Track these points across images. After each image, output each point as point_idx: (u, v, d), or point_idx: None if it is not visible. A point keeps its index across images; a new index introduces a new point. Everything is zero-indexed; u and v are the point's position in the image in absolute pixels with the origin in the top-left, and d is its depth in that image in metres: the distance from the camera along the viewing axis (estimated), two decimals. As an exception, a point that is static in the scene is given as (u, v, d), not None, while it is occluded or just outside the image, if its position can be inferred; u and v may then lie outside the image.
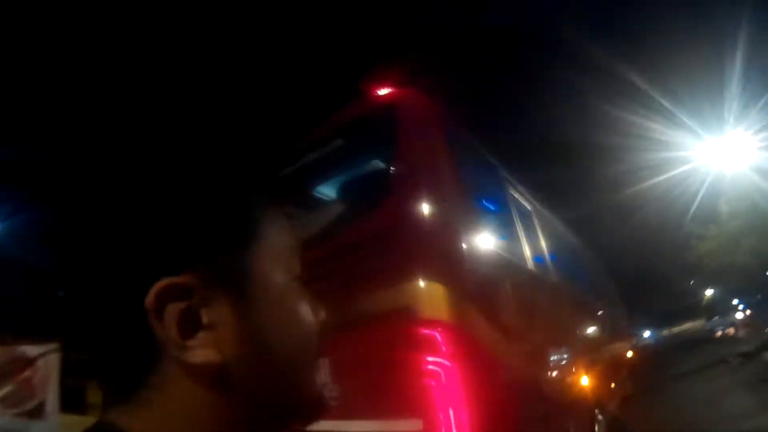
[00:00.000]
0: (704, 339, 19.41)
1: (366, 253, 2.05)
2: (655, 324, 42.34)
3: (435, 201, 2.05)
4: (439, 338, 1.75)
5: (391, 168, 2.20)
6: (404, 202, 2.07)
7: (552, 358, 3.00)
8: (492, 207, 3.17)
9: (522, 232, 3.04)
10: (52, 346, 2.66)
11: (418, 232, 1.98)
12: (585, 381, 3.61)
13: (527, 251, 2.98)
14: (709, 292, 23.21)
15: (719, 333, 21.43)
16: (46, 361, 2.62)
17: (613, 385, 5.41)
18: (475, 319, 1.88)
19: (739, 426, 4.80)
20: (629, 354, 8.53)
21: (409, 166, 2.13)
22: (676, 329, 45.67)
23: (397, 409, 1.78)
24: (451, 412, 1.68)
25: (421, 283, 1.82)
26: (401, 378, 1.77)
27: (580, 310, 4.32)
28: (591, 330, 4.60)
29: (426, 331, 1.77)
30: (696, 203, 14.23)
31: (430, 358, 1.74)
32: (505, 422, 1.89)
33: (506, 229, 3.00)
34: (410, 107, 2.34)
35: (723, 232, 14.34)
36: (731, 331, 20.52)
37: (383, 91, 2.44)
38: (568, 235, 5.48)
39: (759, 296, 20.27)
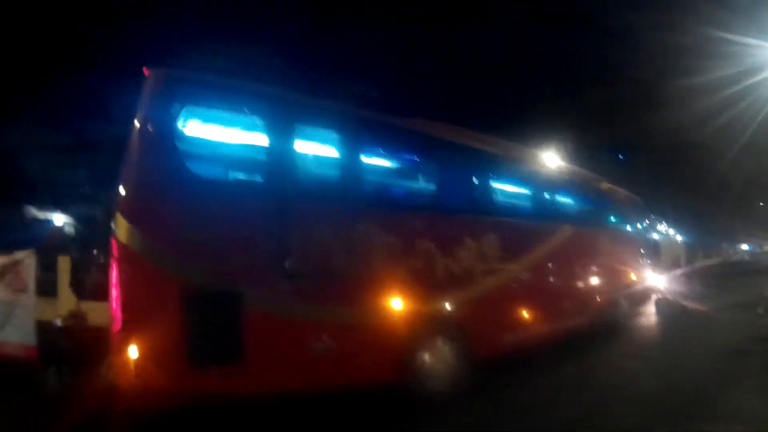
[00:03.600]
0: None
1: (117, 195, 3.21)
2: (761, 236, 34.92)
3: (138, 165, 3.00)
4: (114, 248, 3.00)
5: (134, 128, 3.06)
6: (126, 157, 3.07)
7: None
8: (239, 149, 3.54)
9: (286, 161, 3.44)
10: (31, 252, 4.60)
11: (123, 180, 3.03)
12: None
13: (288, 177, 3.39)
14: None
15: None
16: (28, 261, 4.60)
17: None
18: (143, 239, 2.91)
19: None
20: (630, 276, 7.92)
21: (135, 128, 3.04)
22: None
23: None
24: (114, 291, 2.95)
25: (119, 217, 3.01)
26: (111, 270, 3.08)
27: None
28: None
29: (113, 244, 3.02)
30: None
31: (111, 259, 3.02)
32: (164, 309, 2.86)
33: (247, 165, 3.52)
34: (147, 82, 3.08)
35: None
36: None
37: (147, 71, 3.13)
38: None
39: None
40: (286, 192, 3.37)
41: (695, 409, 3.72)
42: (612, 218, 7.89)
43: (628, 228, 8.59)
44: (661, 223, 16.24)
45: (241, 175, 3.66)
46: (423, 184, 4.81)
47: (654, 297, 9.96)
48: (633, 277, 8.13)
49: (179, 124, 3.19)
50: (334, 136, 3.88)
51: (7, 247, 4.55)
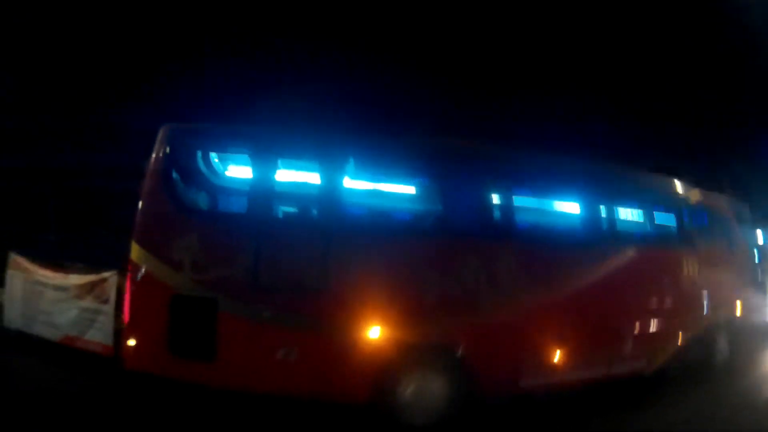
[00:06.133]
0: None
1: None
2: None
3: (146, 201, 3.78)
4: (129, 265, 3.76)
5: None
6: (139, 198, 3.85)
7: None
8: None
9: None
10: (115, 272, 5.62)
11: (137, 214, 3.80)
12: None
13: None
14: None
15: None
16: (112, 279, 5.65)
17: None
18: (148, 258, 3.69)
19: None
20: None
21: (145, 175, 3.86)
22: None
23: None
24: (126, 296, 3.75)
25: (132, 242, 3.78)
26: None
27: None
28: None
29: (129, 260, 3.76)
30: None
31: (128, 273, 3.77)
32: (158, 315, 3.56)
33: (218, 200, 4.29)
34: (157, 136, 3.90)
35: None
36: None
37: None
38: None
39: None
40: (267, 217, 3.86)
41: None
42: (702, 235, 6.28)
43: (734, 246, 6.78)
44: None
45: (224, 206, 4.34)
46: (412, 204, 4.69)
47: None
48: (739, 308, 6.59)
49: (176, 169, 3.89)
50: (317, 164, 4.13)
51: (97, 266, 5.63)
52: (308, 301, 3.72)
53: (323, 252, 3.72)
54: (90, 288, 5.52)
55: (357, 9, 11.83)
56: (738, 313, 6.54)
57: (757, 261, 7.58)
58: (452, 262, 4.15)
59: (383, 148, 4.43)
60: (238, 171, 4.45)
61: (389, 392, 3.75)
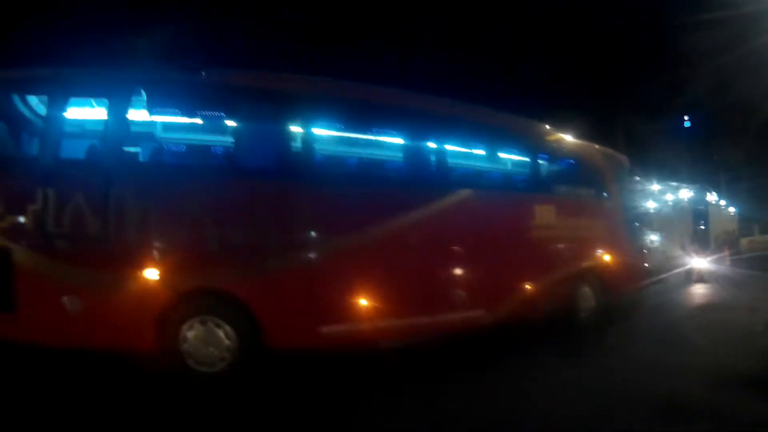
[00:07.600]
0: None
1: None
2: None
3: None
4: None
5: None
6: None
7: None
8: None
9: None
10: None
11: None
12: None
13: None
14: None
15: None
16: None
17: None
18: None
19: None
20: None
21: None
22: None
23: None
24: None
25: None
26: None
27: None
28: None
29: None
30: None
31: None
32: None
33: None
34: None
35: None
36: None
37: None
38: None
39: None
40: (54, 160, 3.62)
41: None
42: (564, 182, 6.10)
43: (605, 197, 6.54)
44: (710, 192, 13.29)
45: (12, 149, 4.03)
46: (198, 140, 4.47)
47: (659, 285, 7.94)
48: (608, 260, 6.30)
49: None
50: (104, 102, 3.88)
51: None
52: (88, 248, 3.57)
53: (102, 196, 3.57)
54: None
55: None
56: (606, 265, 6.27)
57: (633, 214, 7.48)
58: (235, 203, 3.92)
59: (169, 83, 4.16)
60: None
61: (172, 339, 3.65)
